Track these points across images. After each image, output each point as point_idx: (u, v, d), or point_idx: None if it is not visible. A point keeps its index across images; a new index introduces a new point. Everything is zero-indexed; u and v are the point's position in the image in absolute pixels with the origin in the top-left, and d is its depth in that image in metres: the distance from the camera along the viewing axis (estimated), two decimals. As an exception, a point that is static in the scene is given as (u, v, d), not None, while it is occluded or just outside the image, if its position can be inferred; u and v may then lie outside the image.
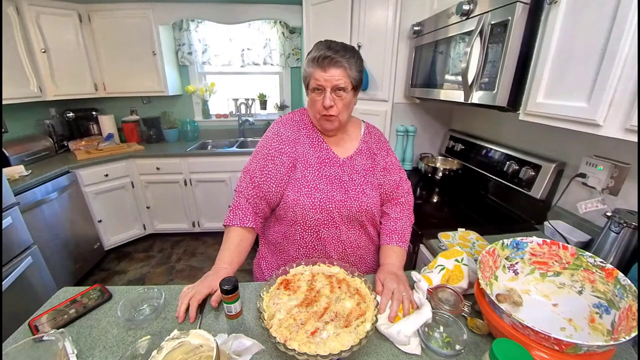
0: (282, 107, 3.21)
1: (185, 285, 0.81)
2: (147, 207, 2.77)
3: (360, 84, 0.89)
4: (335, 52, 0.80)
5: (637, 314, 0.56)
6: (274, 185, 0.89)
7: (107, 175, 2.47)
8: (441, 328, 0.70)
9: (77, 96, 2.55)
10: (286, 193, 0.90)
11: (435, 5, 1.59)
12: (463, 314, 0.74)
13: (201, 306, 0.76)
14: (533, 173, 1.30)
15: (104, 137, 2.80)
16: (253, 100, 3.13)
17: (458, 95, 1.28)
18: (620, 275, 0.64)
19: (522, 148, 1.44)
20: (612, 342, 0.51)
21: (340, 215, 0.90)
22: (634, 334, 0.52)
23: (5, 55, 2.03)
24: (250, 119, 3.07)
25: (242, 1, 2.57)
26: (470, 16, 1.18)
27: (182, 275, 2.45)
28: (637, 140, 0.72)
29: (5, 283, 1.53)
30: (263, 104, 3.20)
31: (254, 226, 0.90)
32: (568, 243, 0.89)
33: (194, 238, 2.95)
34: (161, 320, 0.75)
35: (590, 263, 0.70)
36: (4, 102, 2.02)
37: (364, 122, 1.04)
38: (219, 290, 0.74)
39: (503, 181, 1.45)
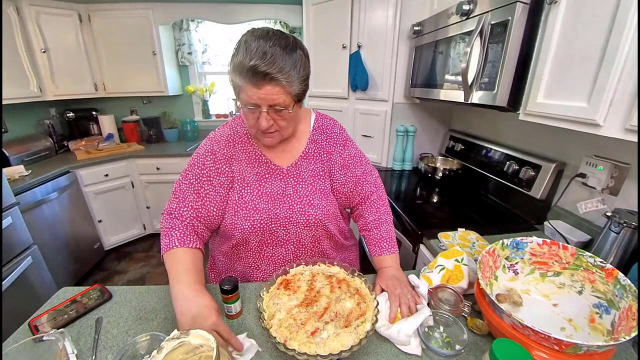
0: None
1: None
2: (147, 207, 2.77)
3: (304, 93, 0.73)
4: (270, 64, 0.63)
5: (637, 314, 0.56)
6: (214, 209, 0.80)
7: (107, 175, 2.47)
8: (441, 328, 0.70)
9: (77, 96, 2.55)
10: (224, 216, 0.82)
11: (435, 5, 1.59)
12: (463, 314, 0.74)
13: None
14: (533, 173, 1.30)
15: (104, 137, 2.80)
16: (253, 100, 3.12)
17: (458, 95, 1.28)
18: (620, 275, 0.64)
19: (522, 148, 1.44)
20: (612, 342, 0.51)
21: (287, 232, 0.82)
22: (634, 334, 0.52)
23: (5, 55, 2.03)
24: (250, 119, 3.07)
25: (242, 1, 2.56)
26: (470, 16, 1.18)
27: (182, 275, 2.45)
28: (637, 140, 0.72)
29: (5, 283, 1.53)
30: (263, 104, 3.20)
31: (200, 247, 0.79)
32: (568, 243, 0.89)
33: (194, 238, 2.95)
34: (161, 320, 0.75)
35: (590, 263, 0.70)
36: (4, 102, 2.02)
37: (313, 112, 0.90)
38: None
39: (503, 181, 1.45)
